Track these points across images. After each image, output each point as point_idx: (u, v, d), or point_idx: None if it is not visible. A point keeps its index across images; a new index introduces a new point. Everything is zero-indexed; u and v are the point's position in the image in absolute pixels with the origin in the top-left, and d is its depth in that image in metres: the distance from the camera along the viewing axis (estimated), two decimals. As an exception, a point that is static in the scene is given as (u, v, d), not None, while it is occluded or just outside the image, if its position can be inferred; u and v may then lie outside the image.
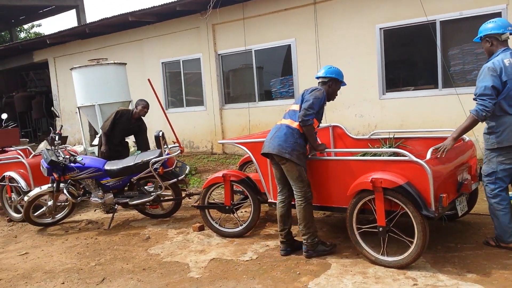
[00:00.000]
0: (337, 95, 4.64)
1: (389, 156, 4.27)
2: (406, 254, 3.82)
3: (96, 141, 9.16)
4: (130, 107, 9.22)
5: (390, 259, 3.92)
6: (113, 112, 6.78)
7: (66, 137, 13.59)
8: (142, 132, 6.99)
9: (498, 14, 7.46)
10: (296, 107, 4.41)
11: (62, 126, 7.05)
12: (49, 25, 47.96)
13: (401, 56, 8.94)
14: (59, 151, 6.00)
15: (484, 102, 3.84)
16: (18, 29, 27.49)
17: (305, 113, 4.20)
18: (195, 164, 10.29)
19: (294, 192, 4.31)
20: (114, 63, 9.04)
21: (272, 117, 10.17)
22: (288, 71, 10.08)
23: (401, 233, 3.89)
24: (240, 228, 5.12)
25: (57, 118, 13.47)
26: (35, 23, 28.34)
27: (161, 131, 5.83)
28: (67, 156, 5.88)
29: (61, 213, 6.39)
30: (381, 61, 8.72)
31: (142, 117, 6.89)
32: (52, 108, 6.65)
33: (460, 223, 4.69)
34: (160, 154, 5.76)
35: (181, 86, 12.02)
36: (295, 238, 4.61)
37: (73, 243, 5.54)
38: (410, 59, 8.93)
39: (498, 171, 3.98)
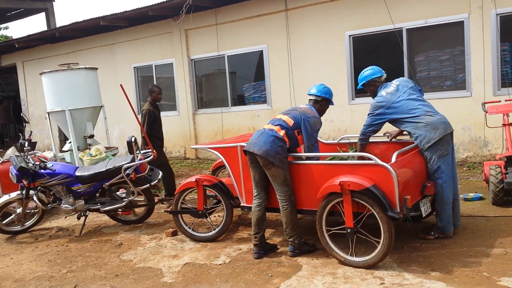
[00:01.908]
0: (325, 112, 4.84)
1: (356, 159, 4.42)
2: (373, 254, 3.95)
3: (66, 147, 9.05)
4: (101, 113, 9.17)
5: (358, 259, 4.05)
6: (143, 114, 7.03)
7: (35, 143, 13.36)
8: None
9: (460, 23, 7.79)
10: (286, 118, 4.52)
11: (31, 132, 6.94)
12: (17, 28, 46.81)
13: (369, 62, 9.06)
14: (28, 157, 5.92)
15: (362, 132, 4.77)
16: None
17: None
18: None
19: (278, 197, 4.40)
20: (85, 67, 8.94)
21: (244, 122, 10.30)
22: (261, 76, 10.20)
23: (368, 234, 4.03)
24: (213, 232, 5.17)
25: (26, 124, 13.22)
26: (2, 25, 27.64)
27: (133, 136, 5.83)
28: (37, 163, 5.80)
29: (31, 221, 6.28)
30: (351, 68, 8.95)
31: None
32: (21, 114, 6.53)
33: (425, 224, 4.85)
34: (133, 160, 5.76)
35: (154, 91, 11.96)
36: (267, 241, 4.71)
37: (43, 250, 5.47)
38: (378, 66, 9.14)
39: (441, 165, 4.37)
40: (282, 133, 4.43)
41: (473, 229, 4.74)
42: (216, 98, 11.15)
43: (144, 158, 5.88)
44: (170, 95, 11.76)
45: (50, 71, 8.84)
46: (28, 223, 6.28)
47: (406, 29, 8.26)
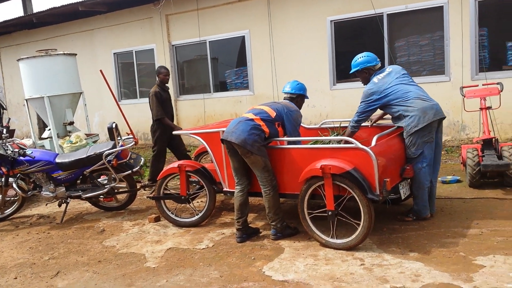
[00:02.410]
0: (301, 108, 4.86)
1: (337, 143, 4.47)
2: (353, 236, 4.03)
3: (45, 134, 8.92)
4: (81, 99, 9.04)
5: (339, 241, 4.12)
6: (151, 96, 6.87)
7: (13, 130, 13.10)
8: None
9: (440, 8, 7.87)
10: (268, 109, 4.52)
11: (9, 118, 6.81)
12: (-9, 14, 45.46)
13: (351, 48, 9.22)
14: (7, 144, 5.82)
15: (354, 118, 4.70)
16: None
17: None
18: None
19: (260, 183, 4.43)
20: (64, 53, 8.78)
21: (227, 108, 10.28)
22: (243, 62, 10.16)
23: (349, 216, 4.10)
24: (196, 217, 5.19)
25: (4, 111, 12.92)
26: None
27: (114, 122, 5.78)
28: (16, 150, 5.71)
29: (11, 208, 6.21)
30: (332, 53, 8.98)
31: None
32: None
33: (404, 206, 4.96)
34: (114, 146, 5.72)
35: (134, 77, 11.84)
36: (250, 225, 4.76)
37: (24, 238, 5.42)
38: (359, 51, 9.13)
39: (424, 151, 4.42)
40: (260, 122, 4.43)
41: (450, 210, 4.86)
42: (198, 84, 11.07)
43: (126, 145, 5.84)
44: (151, 82, 11.62)
45: (27, 57, 8.66)
46: (8, 211, 6.22)
47: (387, 14, 8.30)
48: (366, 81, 4.78)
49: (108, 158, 5.65)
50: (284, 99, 4.87)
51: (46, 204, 6.39)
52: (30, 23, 12.50)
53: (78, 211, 6.40)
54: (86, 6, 10.85)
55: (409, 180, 4.56)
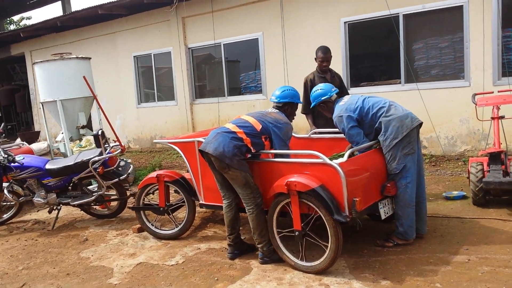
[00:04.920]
0: (295, 115, 4.51)
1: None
2: (322, 259, 3.71)
3: (59, 138, 9.04)
4: (103, 103, 9.09)
5: (307, 264, 3.80)
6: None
7: (39, 132, 13.52)
8: (342, 84, 5.89)
9: (459, 8, 7.31)
10: (254, 122, 4.12)
11: (3, 124, 6.87)
12: (40, 17, 47.55)
13: (365, 50, 8.78)
14: (0, 151, 5.87)
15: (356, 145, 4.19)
16: (8, 21, 27.31)
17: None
18: (163, 160, 10.19)
19: (243, 201, 4.08)
20: (77, 57, 8.86)
21: (241, 112, 9.99)
22: (257, 65, 9.93)
23: (319, 237, 3.77)
24: (176, 230, 5.00)
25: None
26: (25, 15, 28.13)
27: (101, 129, 5.70)
28: (5, 156, 5.74)
29: (8, 213, 6.29)
30: (346, 56, 8.57)
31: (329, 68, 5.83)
32: None
33: (387, 229, 4.53)
34: (101, 154, 5.64)
35: (153, 80, 11.87)
36: (244, 240, 4.47)
37: (12, 244, 5.43)
38: (374, 54, 8.77)
39: (407, 164, 4.03)
40: (243, 136, 4.04)
41: (443, 232, 4.40)
42: (213, 87, 10.94)
43: (113, 152, 5.75)
44: (168, 85, 11.62)
45: (41, 61, 8.79)
46: (6, 216, 6.28)
47: (403, 14, 7.81)
48: (328, 112, 4.49)
49: (95, 165, 5.58)
50: (272, 107, 4.46)
51: (38, 210, 6.41)
52: (55, 27, 12.79)
53: (73, 217, 6.38)
54: (105, 9, 10.96)
55: (392, 199, 4.15)
